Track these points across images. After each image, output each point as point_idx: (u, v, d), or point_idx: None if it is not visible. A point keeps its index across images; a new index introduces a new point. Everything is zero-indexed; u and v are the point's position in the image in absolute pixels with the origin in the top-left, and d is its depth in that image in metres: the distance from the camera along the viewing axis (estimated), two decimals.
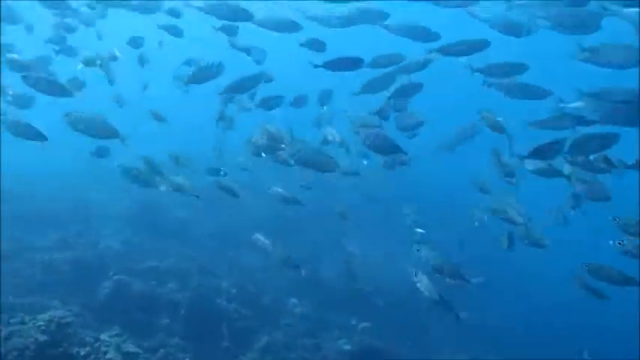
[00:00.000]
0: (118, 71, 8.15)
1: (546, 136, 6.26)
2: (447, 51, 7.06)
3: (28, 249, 10.14)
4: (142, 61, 9.51)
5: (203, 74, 7.32)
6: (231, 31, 8.49)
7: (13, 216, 11.11)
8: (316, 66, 7.18)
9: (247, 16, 7.53)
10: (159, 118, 9.07)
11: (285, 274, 11.57)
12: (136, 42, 9.54)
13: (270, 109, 8.30)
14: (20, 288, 8.96)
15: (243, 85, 7.47)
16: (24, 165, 16.81)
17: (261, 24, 7.66)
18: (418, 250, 6.73)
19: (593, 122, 6.35)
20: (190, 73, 7.40)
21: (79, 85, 8.15)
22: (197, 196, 7.34)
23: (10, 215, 10.97)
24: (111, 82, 8.07)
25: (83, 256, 10.03)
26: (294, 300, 10.82)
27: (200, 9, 7.62)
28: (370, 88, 7.43)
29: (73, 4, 9.52)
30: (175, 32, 9.22)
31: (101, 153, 9.24)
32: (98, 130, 6.00)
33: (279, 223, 12.71)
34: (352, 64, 7.22)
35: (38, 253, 9.95)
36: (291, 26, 7.66)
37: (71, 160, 16.45)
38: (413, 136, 8.34)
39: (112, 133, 6.06)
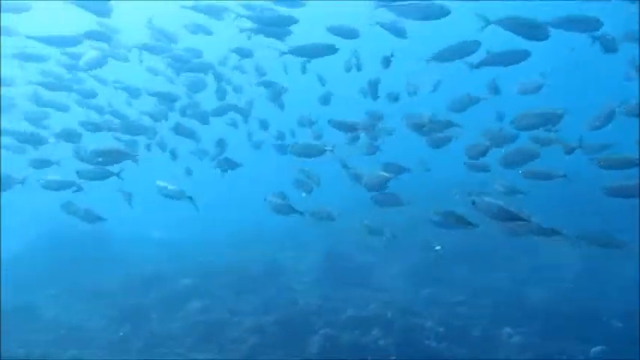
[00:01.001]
0: None
1: None
2: None
3: (237, 314, 10.68)
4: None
5: None
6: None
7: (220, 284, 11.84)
8: None
9: None
10: None
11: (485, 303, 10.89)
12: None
13: None
14: (235, 353, 9.43)
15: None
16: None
17: None
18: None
19: None
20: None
21: None
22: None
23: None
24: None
25: (287, 316, 10.24)
26: (507, 329, 9.88)
27: None
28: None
29: None
30: None
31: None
32: None
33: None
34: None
35: (247, 318, 10.40)
36: None
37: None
38: None
39: None
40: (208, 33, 10.39)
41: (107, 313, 11.85)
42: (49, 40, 8.70)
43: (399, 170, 8.18)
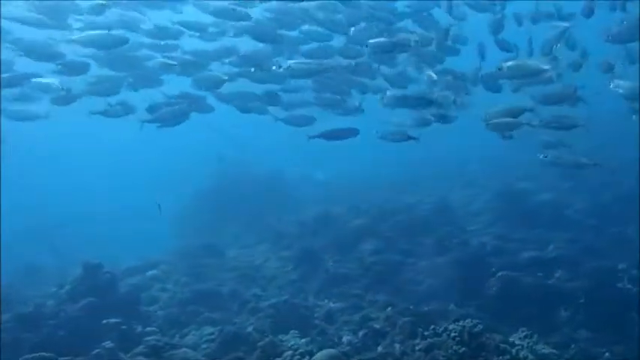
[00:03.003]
0: None
1: None
2: None
3: (411, 255, 10.55)
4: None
5: None
6: None
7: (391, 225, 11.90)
8: None
9: None
10: None
11: None
12: None
13: None
14: (411, 294, 9.34)
15: None
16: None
17: None
18: None
19: None
20: None
21: None
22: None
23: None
24: None
25: (461, 257, 9.88)
26: None
27: None
28: None
29: None
30: None
31: None
32: None
33: None
34: None
35: (422, 260, 10.22)
36: None
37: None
38: None
39: None
40: None
41: (283, 254, 12.47)
42: None
43: None
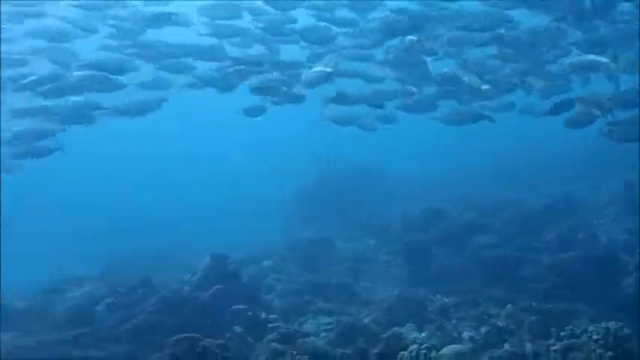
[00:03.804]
0: None
1: None
2: None
3: (529, 251, 10.21)
4: None
5: None
6: None
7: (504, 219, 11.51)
8: None
9: None
10: None
11: None
12: None
13: None
14: (533, 292, 9.00)
15: None
16: None
17: None
18: None
19: None
20: None
21: None
22: None
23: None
24: None
25: (589, 253, 9.39)
26: None
27: None
28: None
29: None
30: None
31: None
32: None
33: None
34: None
35: (542, 256, 9.86)
36: None
37: None
38: None
39: None
40: None
41: (392, 248, 12.46)
42: None
43: None
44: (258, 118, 9.72)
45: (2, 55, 8.96)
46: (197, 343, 6.22)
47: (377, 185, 17.41)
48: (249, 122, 10.35)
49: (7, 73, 9.02)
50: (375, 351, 6.99)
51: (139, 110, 9.39)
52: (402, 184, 18.15)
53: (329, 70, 8.90)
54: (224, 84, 9.52)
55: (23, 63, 9.16)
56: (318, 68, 9.13)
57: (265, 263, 12.20)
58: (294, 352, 5.73)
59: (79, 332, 8.42)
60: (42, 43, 9.47)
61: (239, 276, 9.95)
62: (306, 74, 9.14)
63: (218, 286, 9.14)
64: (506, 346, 6.85)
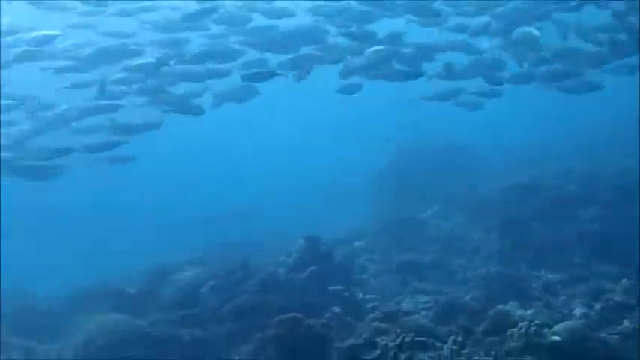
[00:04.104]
0: None
1: None
2: None
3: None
4: None
5: None
6: None
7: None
8: None
9: None
10: None
11: None
12: None
13: None
14: None
15: None
16: None
17: None
18: None
19: None
20: None
21: None
22: None
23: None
24: None
25: None
26: None
27: None
28: None
29: None
30: None
31: None
32: None
33: None
34: None
35: None
36: None
37: None
38: None
39: None
40: None
41: (486, 224, 12.03)
42: None
43: None
44: (354, 95, 9.65)
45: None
46: (300, 323, 6.29)
47: (467, 161, 16.86)
48: (333, 103, 10.37)
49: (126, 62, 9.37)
50: (480, 328, 6.77)
51: (245, 96, 9.67)
52: (492, 160, 17.51)
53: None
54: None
55: (139, 53, 9.46)
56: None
57: (357, 244, 12.21)
58: (399, 330, 5.64)
59: (185, 313, 8.80)
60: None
61: (332, 257, 9.99)
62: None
63: (313, 267, 9.23)
64: (626, 322, 6.39)
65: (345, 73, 9.37)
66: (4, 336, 9.72)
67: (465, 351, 5.35)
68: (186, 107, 9.67)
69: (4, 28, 8.93)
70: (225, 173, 26.38)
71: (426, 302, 8.88)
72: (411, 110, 17.71)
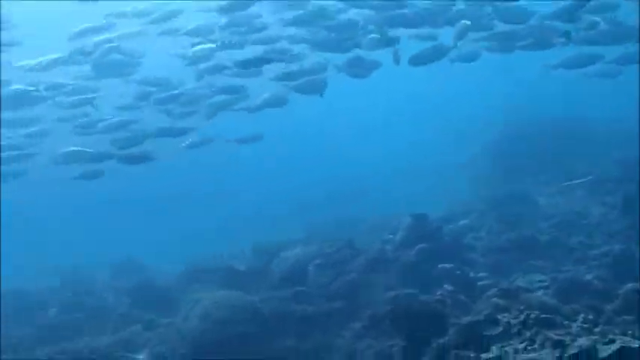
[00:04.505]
0: None
1: None
2: None
3: None
4: None
5: None
6: None
7: None
8: None
9: None
10: None
11: None
12: None
13: None
14: None
15: None
16: None
17: None
18: None
19: None
20: None
21: None
22: None
23: None
24: None
25: None
26: None
27: None
28: None
29: None
30: None
31: None
32: None
33: None
34: None
35: None
36: None
37: None
38: None
39: None
40: None
41: (607, 200, 11.25)
42: None
43: None
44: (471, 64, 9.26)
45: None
46: (415, 299, 6.16)
47: (582, 134, 15.71)
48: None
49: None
50: (610, 307, 6.31)
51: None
52: (614, 132, 16.19)
53: None
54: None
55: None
56: None
57: (463, 222, 11.81)
58: (522, 308, 5.35)
59: (295, 290, 8.95)
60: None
61: (440, 235, 9.74)
62: None
63: (422, 245, 9.03)
64: None
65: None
66: (125, 308, 10.52)
67: (597, 329, 4.98)
68: (311, 86, 9.48)
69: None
70: (331, 154, 26.57)
71: (542, 281, 8.44)
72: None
